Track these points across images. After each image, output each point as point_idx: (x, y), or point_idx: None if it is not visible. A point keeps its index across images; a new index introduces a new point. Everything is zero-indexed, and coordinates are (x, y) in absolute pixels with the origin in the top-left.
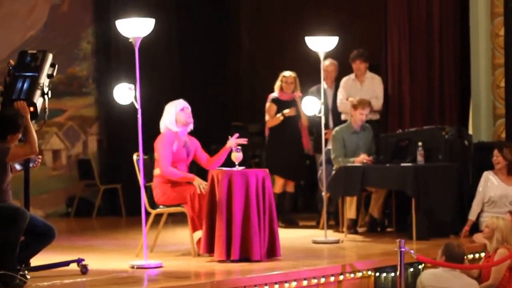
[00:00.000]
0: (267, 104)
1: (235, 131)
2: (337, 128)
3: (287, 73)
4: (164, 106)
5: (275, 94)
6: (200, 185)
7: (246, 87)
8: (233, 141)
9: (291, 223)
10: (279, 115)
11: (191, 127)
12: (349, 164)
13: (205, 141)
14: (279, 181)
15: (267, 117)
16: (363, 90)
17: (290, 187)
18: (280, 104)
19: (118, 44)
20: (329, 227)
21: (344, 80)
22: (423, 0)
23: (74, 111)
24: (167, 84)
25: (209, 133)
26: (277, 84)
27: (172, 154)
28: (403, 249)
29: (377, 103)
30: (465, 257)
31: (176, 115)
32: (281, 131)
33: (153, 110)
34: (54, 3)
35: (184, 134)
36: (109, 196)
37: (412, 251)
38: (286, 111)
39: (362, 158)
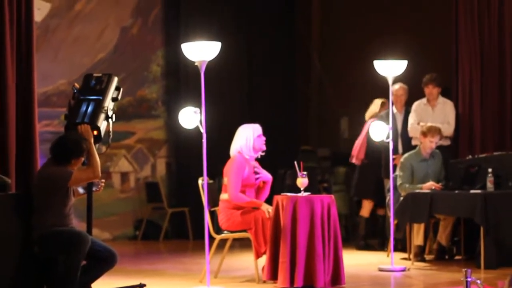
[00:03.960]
0: None
1: (304, 155)
2: (406, 155)
3: (383, 99)
4: (232, 130)
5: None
6: (268, 209)
7: (315, 111)
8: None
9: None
10: None
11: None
12: (416, 191)
13: (273, 165)
14: (370, 205)
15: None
16: (434, 115)
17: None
18: None
19: (187, 66)
20: (396, 249)
21: (416, 104)
22: (494, 21)
23: (143, 134)
24: (235, 108)
25: (277, 157)
26: (377, 109)
27: (242, 180)
28: (469, 279)
29: (449, 129)
30: None
31: (254, 141)
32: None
33: (221, 134)
34: (124, 26)
35: (253, 159)
36: (177, 220)
37: (478, 281)
38: None
39: (430, 185)
